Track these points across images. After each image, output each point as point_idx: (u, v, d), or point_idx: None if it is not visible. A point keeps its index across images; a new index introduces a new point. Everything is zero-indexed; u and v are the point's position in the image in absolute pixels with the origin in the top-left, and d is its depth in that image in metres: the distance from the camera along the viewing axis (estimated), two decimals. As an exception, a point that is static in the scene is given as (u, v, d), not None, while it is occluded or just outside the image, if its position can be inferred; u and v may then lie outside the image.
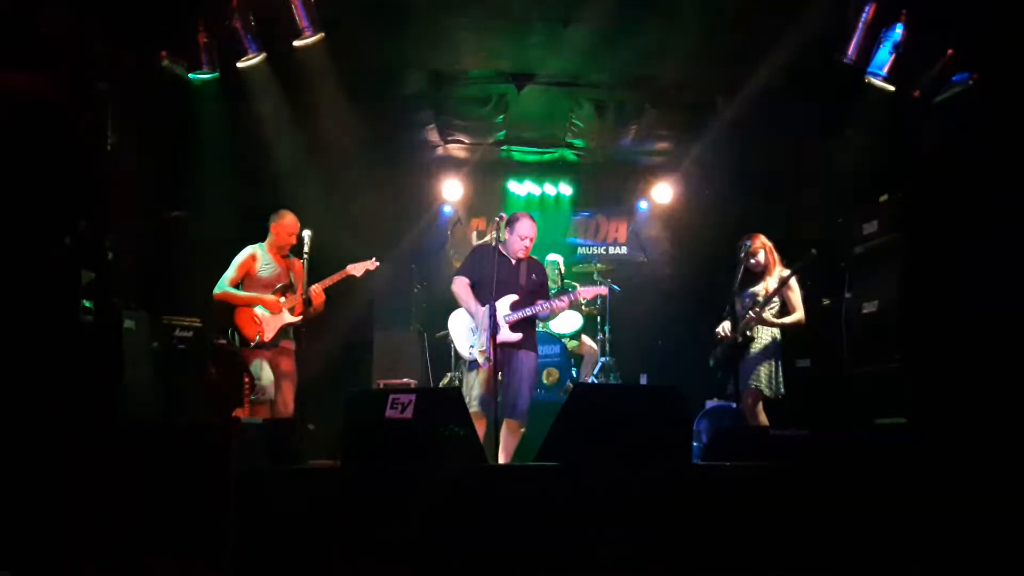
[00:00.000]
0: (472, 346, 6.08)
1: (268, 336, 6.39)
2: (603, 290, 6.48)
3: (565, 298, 6.16)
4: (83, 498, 3.73)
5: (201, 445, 3.94)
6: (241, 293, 6.43)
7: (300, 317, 6.42)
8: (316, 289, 6.39)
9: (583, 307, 8.71)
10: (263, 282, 6.50)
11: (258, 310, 6.39)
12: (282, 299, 6.47)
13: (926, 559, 3.85)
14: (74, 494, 3.74)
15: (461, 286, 6.25)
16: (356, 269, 6.70)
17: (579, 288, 6.36)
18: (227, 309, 6.45)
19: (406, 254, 9.07)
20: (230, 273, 6.47)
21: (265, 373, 6.38)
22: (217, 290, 6.45)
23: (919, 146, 6.85)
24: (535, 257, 6.48)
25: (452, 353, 7.65)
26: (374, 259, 6.81)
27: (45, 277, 5.04)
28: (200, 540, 3.69)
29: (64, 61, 5.40)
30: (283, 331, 6.49)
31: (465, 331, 6.18)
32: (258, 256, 6.51)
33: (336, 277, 6.60)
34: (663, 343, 9.28)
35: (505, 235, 6.28)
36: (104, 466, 3.82)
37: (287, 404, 6.46)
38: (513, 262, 6.24)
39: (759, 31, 6.99)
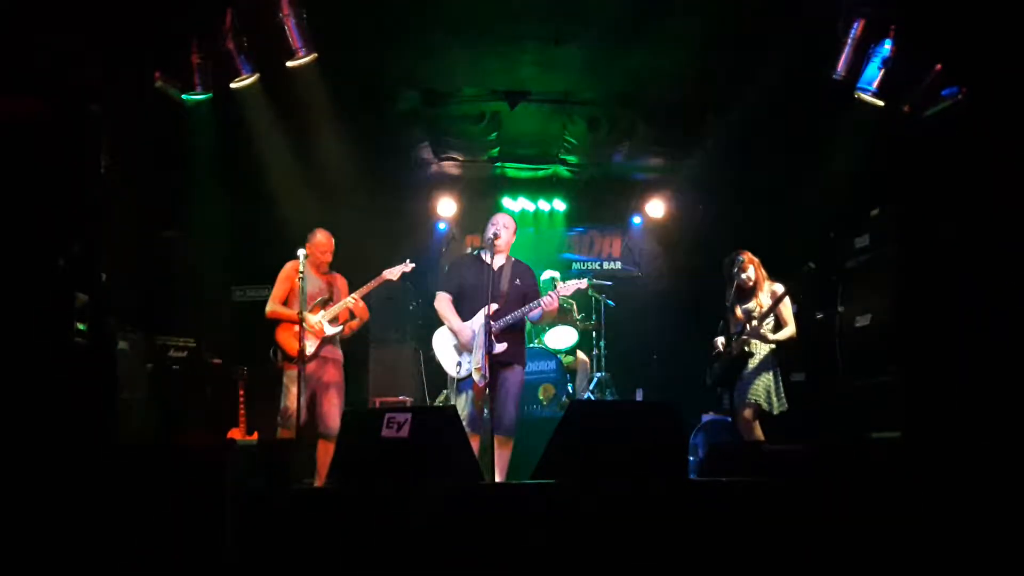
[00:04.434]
0: (460, 364, 6.03)
1: (310, 350, 6.25)
2: (582, 283, 6.28)
3: (546, 298, 5.93)
4: (78, 521, 3.72)
5: (196, 466, 3.94)
6: (287, 310, 6.34)
7: (342, 328, 6.44)
8: (356, 298, 6.42)
9: (578, 322, 8.72)
10: (304, 296, 6.27)
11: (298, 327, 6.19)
12: (322, 311, 6.40)
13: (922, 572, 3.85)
14: (68, 517, 3.73)
15: (443, 303, 6.16)
16: (392, 273, 6.59)
17: (559, 286, 6.22)
18: (271, 327, 6.38)
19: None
20: (276, 290, 6.42)
21: (290, 396, 6.21)
22: (268, 308, 6.40)
23: (909, 160, 6.89)
24: (523, 263, 6.33)
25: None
26: (408, 261, 6.69)
27: (39, 300, 5.04)
28: (195, 563, 3.67)
29: (57, 83, 5.41)
30: (325, 342, 6.40)
31: (449, 349, 6.12)
32: (299, 268, 6.20)
33: (373, 284, 6.54)
34: (658, 357, 9.27)
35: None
36: (99, 488, 3.81)
37: (329, 415, 6.33)
38: (495, 269, 6.01)
39: (749, 49, 7.04)
